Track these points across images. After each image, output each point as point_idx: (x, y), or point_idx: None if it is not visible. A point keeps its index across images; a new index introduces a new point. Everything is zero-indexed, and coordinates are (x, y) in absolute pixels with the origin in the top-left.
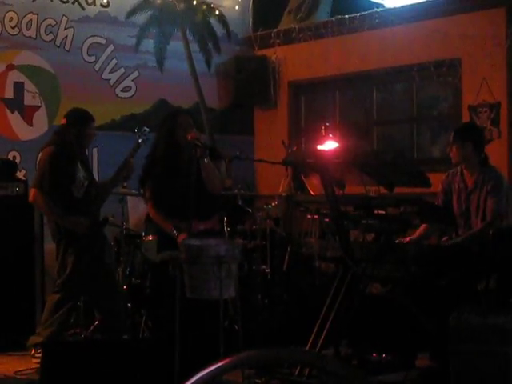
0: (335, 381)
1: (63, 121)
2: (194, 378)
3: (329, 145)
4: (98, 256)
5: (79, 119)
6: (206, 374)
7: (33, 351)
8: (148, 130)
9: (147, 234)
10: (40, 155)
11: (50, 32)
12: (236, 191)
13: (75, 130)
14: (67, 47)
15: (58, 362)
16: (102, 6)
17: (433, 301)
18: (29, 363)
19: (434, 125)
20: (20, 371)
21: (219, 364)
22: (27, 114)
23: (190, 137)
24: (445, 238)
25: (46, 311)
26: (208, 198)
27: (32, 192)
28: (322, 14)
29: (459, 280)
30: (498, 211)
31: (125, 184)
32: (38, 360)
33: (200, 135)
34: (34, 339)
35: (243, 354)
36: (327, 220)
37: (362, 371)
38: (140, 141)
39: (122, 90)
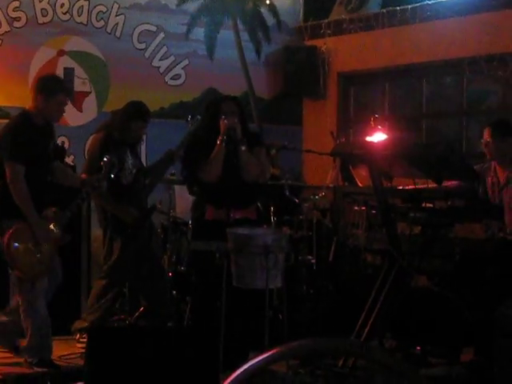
0: (384, 373)
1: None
2: (244, 367)
3: (377, 136)
4: (144, 243)
5: (134, 112)
6: (256, 363)
7: (78, 336)
8: (200, 118)
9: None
10: (90, 141)
11: (101, 18)
12: (283, 181)
13: (126, 119)
14: (118, 34)
15: (103, 347)
16: None
17: (479, 295)
18: (73, 348)
19: (484, 119)
20: (64, 356)
21: (269, 353)
22: (77, 99)
23: (222, 125)
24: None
25: (92, 297)
26: (246, 186)
27: (82, 177)
28: (373, 6)
29: (505, 274)
30: None
31: (173, 172)
32: (83, 345)
33: (235, 123)
34: (78, 324)
35: (296, 344)
36: (374, 212)
37: (414, 366)
38: (192, 129)
39: (171, 78)
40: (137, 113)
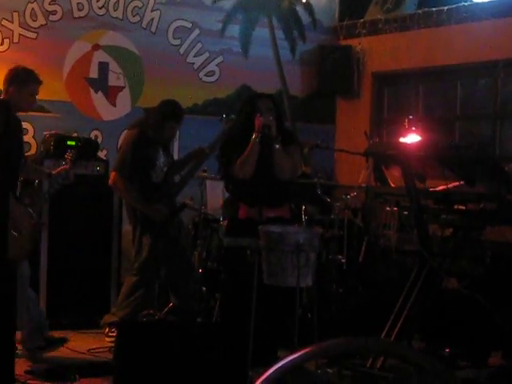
0: (414, 374)
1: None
2: (278, 365)
3: (411, 138)
4: (173, 240)
5: (170, 112)
6: (290, 361)
7: (107, 330)
8: (235, 116)
9: (225, 219)
10: (123, 136)
11: (137, 13)
12: (315, 180)
13: (161, 118)
14: (153, 29)
15: (132, 342)
16: None
17: (509, 298)
18: (102, 342)
19: None
20: (93, 349)
21: (303, 352)
22: (111, 94)
23: (257, 122)
24: None
25: (123, 293)
26: (279, 185)
27: (112, 175)
28: (409, 6)
29: None
30: None
31: (205, 168)
32: (112, 339)
33: (270, 120)
34: (108, 318)
35: (327, 343)
36: (406, 213)
37: (451, 369)
38: (227, 128)
39: (205, 75)
40: (171, 113)
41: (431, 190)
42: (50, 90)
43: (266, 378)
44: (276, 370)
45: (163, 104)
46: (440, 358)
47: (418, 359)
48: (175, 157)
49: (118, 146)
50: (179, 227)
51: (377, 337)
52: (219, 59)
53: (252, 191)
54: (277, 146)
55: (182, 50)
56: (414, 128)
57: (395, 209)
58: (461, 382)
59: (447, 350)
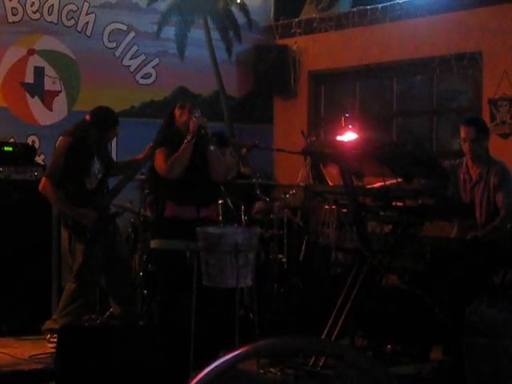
0: (354, 372)
1: (88, 116)
2: (211, 366)
3: (348, 136)
4: (108, 246)
5: (104, 122)
6: (223, 362)
7: (48, 336)
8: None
9: None
10: (57, 143)
11: (72, 17)
12: (254, 180)
13: (97, 130)
14: (88, 33)
15: (74, 347)
16: None
17: (449, 294)
18: (44, 348)
19: (454, 118)
20: (35, 355)
21: (236, 352)
22: (47, 98)
23: (191, 124)
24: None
25: (63, 300)
26: (209, 185)
27: (42, 181)
28: (344, 5)
29: (476, 273)
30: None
31: (143, 171)
32: (54, 345)
33: (204, 121)
34: (49, 324)
35: (263, 343)
36: (345, 211)
37: (382, 364)
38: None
39: (142, 77)
40: (112, 119)
41: (369, 187)
42: None
43: (200, 379)
44: (211, 370)
45: (100, 113)
46: (382, 355)
47: (354, 358)
48: (113, 158)
49: (53, 152)
50: (115, 234)
51: (314, 336)
52: (155, 61)
53: (183, 190)
54: (212, 148)
55: (117, 53)
56: (350, 126)
57: (334, 207)
58: (403, 378)
59: (389, 347)
